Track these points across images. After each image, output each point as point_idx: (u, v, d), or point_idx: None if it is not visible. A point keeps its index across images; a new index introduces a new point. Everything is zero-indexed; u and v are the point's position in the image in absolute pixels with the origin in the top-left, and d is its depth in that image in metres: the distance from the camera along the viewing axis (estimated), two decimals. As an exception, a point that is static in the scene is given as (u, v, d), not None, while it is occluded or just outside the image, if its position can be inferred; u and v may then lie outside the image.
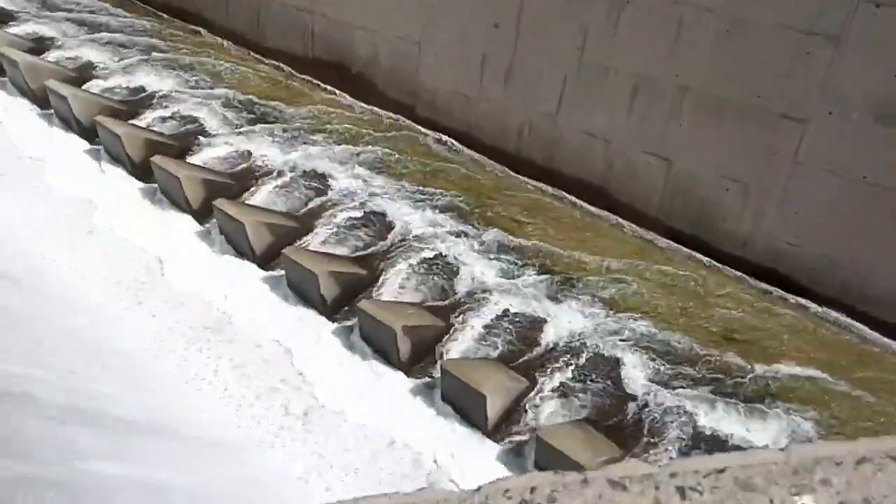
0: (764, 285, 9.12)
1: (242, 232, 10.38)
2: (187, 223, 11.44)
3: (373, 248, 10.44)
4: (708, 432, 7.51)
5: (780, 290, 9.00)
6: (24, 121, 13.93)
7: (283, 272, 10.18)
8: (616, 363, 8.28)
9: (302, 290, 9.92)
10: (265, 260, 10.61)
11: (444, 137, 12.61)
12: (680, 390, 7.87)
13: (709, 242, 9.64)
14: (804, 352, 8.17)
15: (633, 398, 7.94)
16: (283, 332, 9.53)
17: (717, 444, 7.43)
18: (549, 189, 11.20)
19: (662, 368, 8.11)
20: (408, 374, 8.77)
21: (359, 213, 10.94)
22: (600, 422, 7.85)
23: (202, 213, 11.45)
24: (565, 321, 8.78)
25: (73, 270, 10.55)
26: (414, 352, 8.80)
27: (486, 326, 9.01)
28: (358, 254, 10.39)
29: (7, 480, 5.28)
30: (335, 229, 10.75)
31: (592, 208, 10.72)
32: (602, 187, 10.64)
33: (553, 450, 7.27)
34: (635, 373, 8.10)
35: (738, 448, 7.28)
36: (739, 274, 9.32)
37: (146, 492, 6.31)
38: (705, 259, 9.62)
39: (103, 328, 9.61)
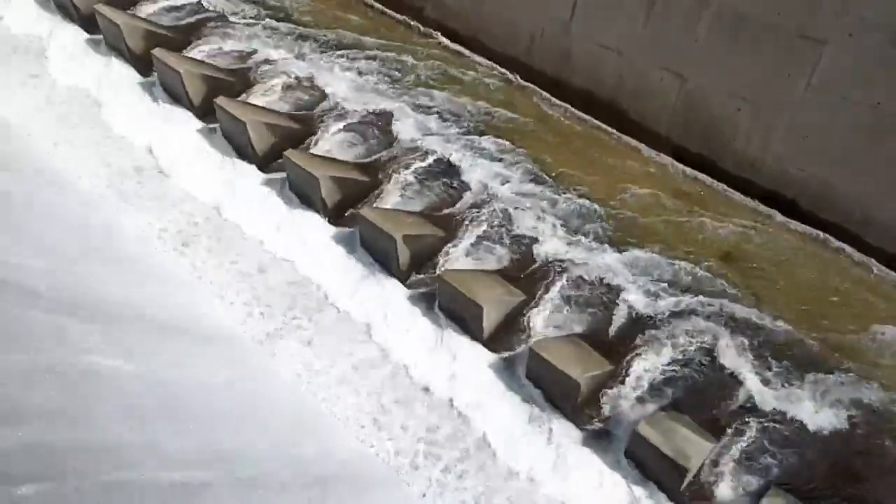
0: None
1: (244, 131, 10.23)
2: (188, 119, 11.26)
3: (376, 155, 10.32)
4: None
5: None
6: (23, 9, 13.52)
7: (284, 174, 10.10)
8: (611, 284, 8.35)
9: (303, 193, 9.87)
10: (267, 161, 10.50)
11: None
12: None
13: (716, 163, 9.52)
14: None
15: (626, 314, 8.06)
16: (284, 236, 9.55)
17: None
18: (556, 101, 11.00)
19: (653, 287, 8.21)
20: (406, 283, 8.83)
21: (360, 118, 10.76)
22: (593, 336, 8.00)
23: (203, 110, 11.26)
24: (554, 245, 8.79)
25: (73, 163, 10.49)
26: (413, 261, 8.83)
27: (484, 236, 9.03)
28: (361, 160, 10.30)
29: (7, 371, 5.40)
30: (338, 133, 10.60)
31: (597, 122, 10.54)
32: (611, 101, 10.42)
33: (545, 363, 7.41)
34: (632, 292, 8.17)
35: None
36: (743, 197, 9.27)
37: (149, 386, 6.47)
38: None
39: (103, 222, 9.63)
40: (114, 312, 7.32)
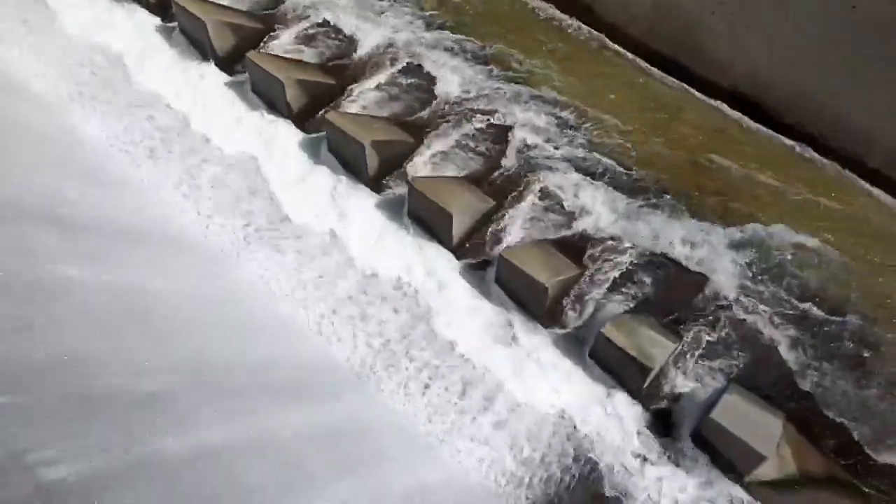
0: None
1: (203, 31, 9.82)
2: (148, 19, 10.77)
3: (342, 56, 10.00)
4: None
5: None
6: None
7: (247, 76, 9.79)
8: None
9: (267, 97, 9.60)
10: (229, 62, 10.14)
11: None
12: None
13: (688, 66, 9.37)
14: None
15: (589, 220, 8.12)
16: (247, 140, 9.33)
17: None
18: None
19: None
20: (375, 189, 8.75)
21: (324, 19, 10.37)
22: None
23: (161, 7, 10.77)
24: (526, 134, 8.70)
25: (33, 66, 10.05)
26: (382, 167, 8.72)
27: (455, 143, 8.90)
28: (328, 63, 9.98)
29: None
30: (303, 33, 10.22)
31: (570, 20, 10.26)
32: (586, 3, 10.12)
33: (515, 268, 7.48)
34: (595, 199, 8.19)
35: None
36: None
37: (114, 295, 6.41)
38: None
39: (64, 128, 9.33)
40: (78, 221, 7.19)
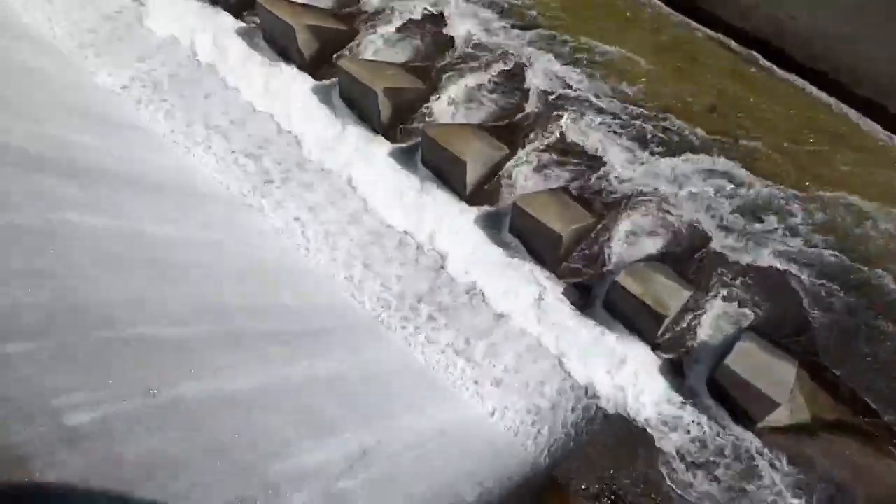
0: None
1: (213, -25, 9.67)
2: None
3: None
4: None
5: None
6: None
7: (258, 21, 9.63)
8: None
9: (279, 43, 9.46)
10: (240, 8, 9.99)
11: None
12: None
13: (708, 10, 9.15)
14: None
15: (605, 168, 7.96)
16: (259, 86, 9.23)
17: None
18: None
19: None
20: (388, 137, 8.66)
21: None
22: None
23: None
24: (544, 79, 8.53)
25: (48, 14, 9.92)
26: (395, 115, 8.62)
27: (472, 89, 8.76)
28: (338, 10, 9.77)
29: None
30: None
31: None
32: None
33: (529, 216, 7.44)
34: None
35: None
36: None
37: (133, 243, 6.42)
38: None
39: (79, 75, 9.25)
40: (90, 168, 7.16)
